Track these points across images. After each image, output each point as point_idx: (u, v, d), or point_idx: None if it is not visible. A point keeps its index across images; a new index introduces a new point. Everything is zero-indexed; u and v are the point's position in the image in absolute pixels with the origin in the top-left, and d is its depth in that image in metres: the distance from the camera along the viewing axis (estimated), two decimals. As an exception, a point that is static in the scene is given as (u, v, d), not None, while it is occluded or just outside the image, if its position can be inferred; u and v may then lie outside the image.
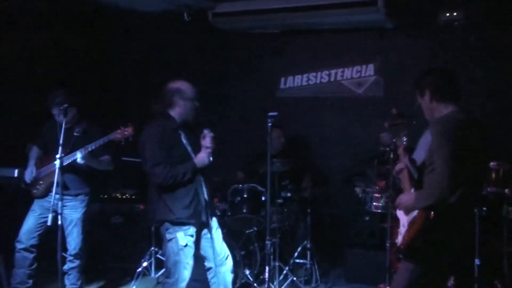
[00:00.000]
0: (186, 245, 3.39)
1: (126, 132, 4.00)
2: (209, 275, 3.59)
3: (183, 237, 3.39)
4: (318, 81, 6.02)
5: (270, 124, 3.34)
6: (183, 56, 6.31)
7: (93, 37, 5.74)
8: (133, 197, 5.44)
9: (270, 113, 3.36)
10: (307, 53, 6.06)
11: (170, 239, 3.42)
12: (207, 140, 3.45)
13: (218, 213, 4.77)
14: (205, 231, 3.55)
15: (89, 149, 4.03)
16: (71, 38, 5.55)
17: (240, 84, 6.19)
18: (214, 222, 3.59)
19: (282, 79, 6.17)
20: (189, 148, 3.50)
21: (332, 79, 5.96)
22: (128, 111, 5.73)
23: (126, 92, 6.24)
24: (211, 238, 3.53)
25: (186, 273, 3.41)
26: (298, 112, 6.03)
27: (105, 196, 5.43)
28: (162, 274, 5.02)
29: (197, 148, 3.50)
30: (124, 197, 5.44)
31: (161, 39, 6.26)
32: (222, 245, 3.60)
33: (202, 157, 3.44)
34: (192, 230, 3.43)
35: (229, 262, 3.60)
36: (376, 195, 4.77)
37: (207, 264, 3.60)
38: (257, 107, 5.76)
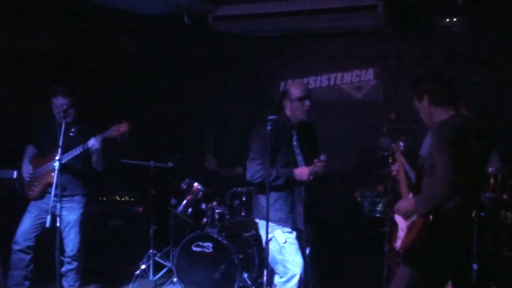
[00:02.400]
0: (285, 242, 3.45)
1: (121, 129, 4.01)
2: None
3: (281, 234, 3.47)
4: (317, 85, 6.04)
5: (269, 128, 3.34)
6: (182, 59, 6.33)
7: (93, 38, 5.75)
8: (132, 199, 5.44)
9: (270, 117, 3.36)
10: (307, 57, 6.07)
11: (270, 239, 3.47)
12: (318, 165, 3.48)
13: (217, 217, 4.78)
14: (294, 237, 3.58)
15: (86, 147, 4.04)
16: (70, 39, 5.55)
17: (240, 88, 6.21)
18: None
19: (282, 83, 6.17)
20: (297, 150, 3.59)
21: (331, 83, 5.98)
22: (127, 114, 5.74)
23: (125, 95, 6.25)
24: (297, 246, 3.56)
25: (294, 268, 3.44)
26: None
27: (104, 198, 5.42)
28: (160, 277, 5.03)
29: (306, 150, 3.61)
30: (123, 199, 5.44)
31: (161, 41, 6.27)
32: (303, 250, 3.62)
33: (302, 171, 3.50)
34: (288, 228, 3.50)
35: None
36: (375, 199, 4.78)
37: None
38: (257, 110, 5.76)
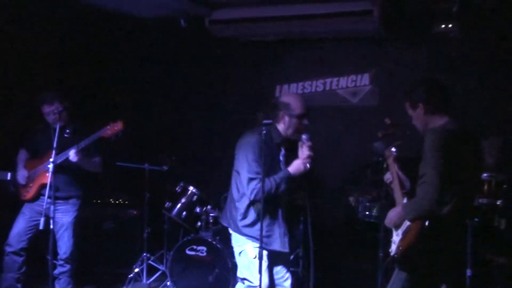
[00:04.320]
0: (255, 257, 3.31)
1: (116, 128, 4.00)
2: None
3: (252, 249, 3.34)
4: (313, 90, 6.03)
5: (264, 132, 3.32)
6: (178, 62, 6.32)
7: (87, 41, 5.73)
8: (126, 202, 5.43)
9: (265, 121, 3.34)
10: (303, 61, 6.07)
11: (240, 252, 3.40)
12: (304, 149, 3.30)
13: (211, 220, 4.76)
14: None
15: (81, 147, 4.02)
16: (67, 41, 5.54)
17: (235, 91, 6.20)
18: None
19: (278, 87, 6.17)
20: (282, 166, 3.40)
21: (327, 88, 5.97)
22: (121, 117, 5.72)
23: (121, 97, 6.23)
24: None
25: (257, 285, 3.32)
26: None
27: (98, 201, 5.41)
28: (153, 280, 5.01)
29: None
30: (117, 202, 5.43)
31: (157, 45, 6.26)
32: (282, 265, 3.55)
33: (297, 164, 3.28)
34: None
35: (287, 284, 3.54)
36: (369, 204, 4.78)
37: None
38: (252, 114, 5.75)
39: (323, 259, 5.32)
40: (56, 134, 3.80)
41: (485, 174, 4.15)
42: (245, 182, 3.27)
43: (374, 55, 5.77)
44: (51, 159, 3.80)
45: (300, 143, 3.34)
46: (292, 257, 5.01)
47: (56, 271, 4.27)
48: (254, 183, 3.23)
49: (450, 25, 5.07)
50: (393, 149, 3.41)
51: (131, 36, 6.08)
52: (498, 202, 4.15)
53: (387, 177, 3.38)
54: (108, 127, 4.01)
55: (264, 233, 3.31)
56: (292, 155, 3.41)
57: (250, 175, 3.25)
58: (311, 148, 3.31)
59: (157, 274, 5.05)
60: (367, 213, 4.78)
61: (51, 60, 5.41)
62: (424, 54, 5.52)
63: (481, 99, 5.24)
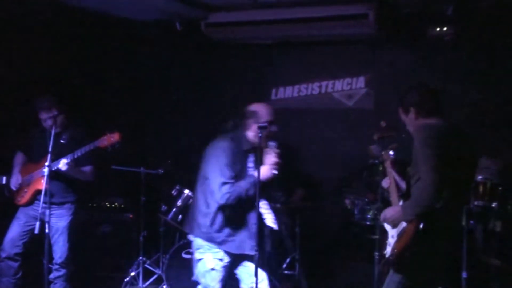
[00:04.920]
0: (213, 269, 3.34)
1: (112, 139, 3.99)
2: None
3: (211, 260, 3.35)
4: (309, 93, 6.04)
5: (260, 135, 3.33)
6: (174, 66, 6.32)
7: (83, 45, 5.73)
8: (122, 206, 5.41)
9: (260, 124, 3.36)
10: (299, 64, 6.08)
11: (199, 259, 3.40)
12: (271, 155, 3.35)
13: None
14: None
15: (76, 156, 4.01)
16: (61, 45, 5.53)
17: (231, 94, 6.20)
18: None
19: (274, 90, 6.18)
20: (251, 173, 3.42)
21: (323, 91, 5.98)
22: (117, 120, 5.72)
23: (116, 101, 6.22)
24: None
25: None
26: (288, 123, 6.03)
27: (94, 205, 5.39)
28: (150, 284, 4.99)
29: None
30: (113, 205, 5.41)
31: (152, 48, 6.26)
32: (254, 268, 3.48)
33: (264, 171, 3.30)
34: (222, 254, 3.38)
35: (264, 285, 3.53)
36: (365, 206, 4.79)
37: (242, 286, 3.55)
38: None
39: (319, 261, 5.34)
40: (52, 139, 3.80)
41: (480, 176, 4.17)
42: (217, 186, 3.28)
43: (369, 58, 5.78)
44: (46, 163, 3.80)
45: (267, 150, 3.39)
46: (288, 260, 5.02)
47: (51, 276, 4.25)
48: (226, 187, 3.26)
49: (445, 29, 5.10)
50: (391, 152, 3.42)
51: (126, 40, 6.08)
52: (494, 205, 4.16)
53: (385, 182, 3.39)
54: (105, 137, 4.01)
55: (230, 237, 3.36)
56: (261, 161, 3.44)
57: (223, 179, 3.27)
58: (278, 155, 3.37)
59: (153, 278, 5.04)
60: (363, 215, 4.79)
61: (47, 63, 5.40)
62: (420, 57, 5.54)
63: (476, 103, 5.26)
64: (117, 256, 5.17)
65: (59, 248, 4.25)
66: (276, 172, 3.35)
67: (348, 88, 5.88)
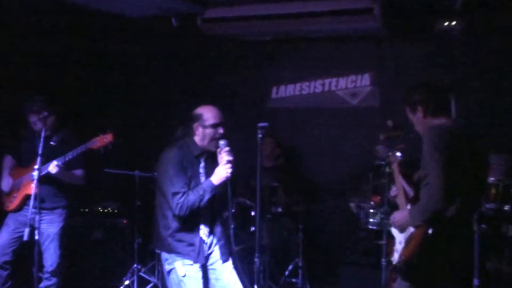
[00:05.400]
0: (185, 275, 3.33)
1: (105, 140, 4.00)
2: None
3: (181, 266, 3.35)
4: (311, 91, 6.02)
5: (260, 136, 3.32)
6: (170, 62, 6.31)
7: (75, 42, 5.71)
8: (115, 211, 5.40)
9: (260, 124, 3.34)
10: (300, 61, 6.06)
11: (169, 271, 3.39)
12: (223, 155, 3.37)
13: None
14: (212, 265, 3.50)
15: (68, 158, 4.01)
16: (51, 43, 5.51)
17: (230, 93, 6.19)
18: (218, 260, 3.51)
19: (274, 89, 6.17)
20: (202, 179, 3.44)
21: (326, 89, 5.97)
22: (111, 119, 5.70)
23: (110, 101, 6.21)
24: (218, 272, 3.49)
25: None
26: (290, 123, 6.03)
27: (86, 210, 5.37)
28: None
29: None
30: (106, 211, 5.40)
31: (148, 45, 6.24)
32: (233, 282, 3.51)
33: (219, 172, 3.34)
34: (189, 261, 3.38)
35: None
36: (371, 210, 4.77)
37: None
38: (247, 117, 5.75)
39: (323, 268, 5.33)
40: (41, 142, 3.79)
41: (492, 178, 4.15)
42: (169, 197, 3.30)
43: (374, 54, 5.77)
44: (36, 166, 3.78)
45: (218, 150, 3.41)
46: (290, 267, 5.00)
47: (42, 285, 4.24)
48: (177, 197, 3.28)
49: (453, 23, 5.08)
50: (398, 154, 3.41)
51: (120, 37, 6.06)
52: (506, 207, 4.15)
53: (393, 191, 3.39)
54: (97, 138, 4.00)
55: (190, 246, 3.36)
56: (212, 166, 3.47)
57: (174, 189, 3.30)
58: (229, 153, 3.38)
59: (149, 287, 5.03)
60: (369, 220, 4.77)
61: (38, 61, 5.38)
62: (427, 53, 5.52)
63: (485, 99, 5.25)
64: (111, 264, 5.15)
65: (50, 256, 4.24)
66: (230, 171, 3.35)
67: (352, 86, 5.87)
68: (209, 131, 3.43)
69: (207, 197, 3.32)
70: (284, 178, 5.32)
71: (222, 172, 3.35)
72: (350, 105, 5.89)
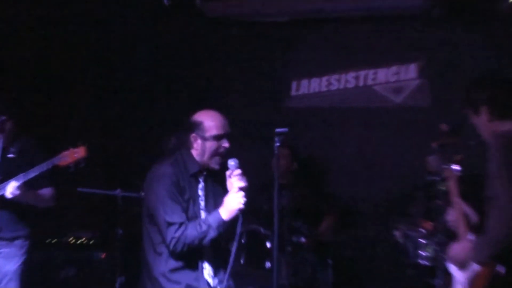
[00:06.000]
0: None
1: (76, 155, 3.99)
2: None
3: None
4: (341, 86, 6.05)
5: (278, 144, 3.30)
6: (163, 51, 6.33)
7: (43, 25, 5.73)
8: (91, 242, 5.41)
9: (278, 129, 3.32)
10: (327, 49, 6.09)
11: None
12: (233, 179, 3.28)
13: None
14: None
15: (30, 177, 4.01)
16: (15, 29, 5.56)
17: (238, 90, 6.21)
18: None
19: (294, 84, 6.20)
20: (201, 204, 3.42)
21: (360, 83, 6.00)
22: (85, 128, 5.73)
23: (84, 102, 6.25)
24: None
25: None
26: (314, 128, 6.04)
27: (53, 241, 5.40)
28: None
29: (215, 204, 3.39)
30: (79, 242, 5.41)
31: (131, 28, 6.26)
32: None
33: (229, 203, 3.24)
34: None
35: None
36: (422, 240, 4.75)
37: None
38: (260, 120, 5.76)
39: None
40: None
41: None
42: (163, 227, 3.25)
43: (423, 39, 5.79)
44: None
45: (227, 173, 3.33)
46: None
47: (-2, 336, 4.25)
48: (172, 229, 3.22)
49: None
50: (456, 167, 3.41)
51: (95, 15, 6.07)
52: None
53: (450, 215, 3.37)
54: (66, 152, 4.00)
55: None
56: (212, 188, 3.46)
57: (168, 219, 3.24)
58: (242, 177, 3.29)
59: None
60: (419, 252, 4.74)
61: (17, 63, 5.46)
62: (489, 38, 5.52)
63: None
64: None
65: (7, 300, 4.25)
66: (244, 201, 3.25)
67: (394, 79, 5.89)
68: (210, 144, 3.38)
69: (212, 234, 3.24)
70: (307, 199, 5.31)
71: (233, 202, 3.26)
72: (392, 103, 5.92)
